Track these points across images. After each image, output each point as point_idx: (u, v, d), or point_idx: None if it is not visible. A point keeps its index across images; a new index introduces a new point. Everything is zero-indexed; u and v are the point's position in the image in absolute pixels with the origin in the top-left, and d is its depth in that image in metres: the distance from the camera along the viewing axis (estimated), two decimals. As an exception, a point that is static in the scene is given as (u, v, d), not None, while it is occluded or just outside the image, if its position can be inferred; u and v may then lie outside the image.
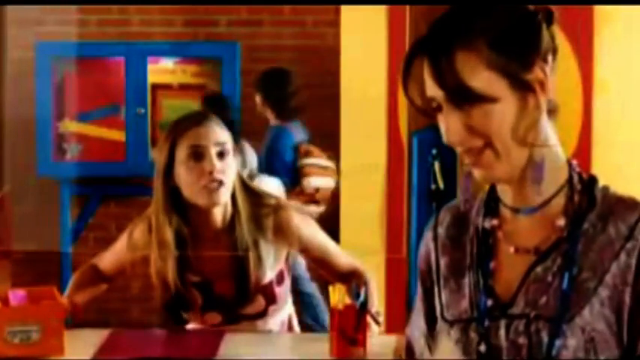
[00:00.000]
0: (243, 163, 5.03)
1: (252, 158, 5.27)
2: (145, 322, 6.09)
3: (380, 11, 4.65)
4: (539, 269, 1.58)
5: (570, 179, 1.60)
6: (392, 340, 2.88)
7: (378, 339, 2.85)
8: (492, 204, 1.66)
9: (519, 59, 1.52)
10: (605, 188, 1.61)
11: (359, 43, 4.73)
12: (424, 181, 2.39)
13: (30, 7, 6.11)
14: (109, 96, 6.04)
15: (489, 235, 1.66)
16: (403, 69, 1.58)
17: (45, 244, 6.06)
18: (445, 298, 1.69)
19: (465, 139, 1.53)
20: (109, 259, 3.19)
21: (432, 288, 1.73)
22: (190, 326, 3.12)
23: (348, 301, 2.77)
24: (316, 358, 2.78)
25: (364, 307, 2.74)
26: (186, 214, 2.97)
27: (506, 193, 1.62)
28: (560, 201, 1.59)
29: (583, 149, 4.21)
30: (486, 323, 1.60)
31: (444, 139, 1.55)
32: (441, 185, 2.37)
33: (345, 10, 4.82)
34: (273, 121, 5.62)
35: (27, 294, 2.90)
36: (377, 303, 2.98)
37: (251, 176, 4.99)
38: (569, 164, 1.61)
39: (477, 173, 1.57)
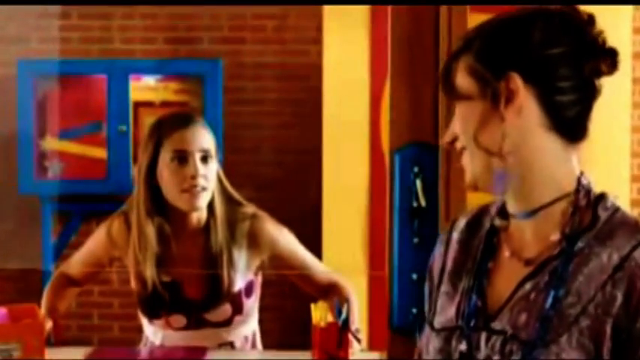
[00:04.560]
0: None
1: None
2: (127, 340, 6.07)
3: (362, 29, 4.66)
4: (527, 285, 1.58)
5: (577, 194, 1.59)
6: (374, 358, 2.88)
7: (360, 356, 2.85)
8: (505, 207, 1.69)
9: (492, 67, 1.58)
10: (614, 208, 1.59)
11: (341, 62, 4.74)
12: (406, 199, 2.39)
13: (11, 24, 6.10)
14: (91, 114, 6.02)
15: (495, 234, 1.68)
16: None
17: (27, 262, 6.02)
18: (440, 303, 1.70)
19: (450, 135, 1.65)
20: (80, 263, 3.21)
21: (432, 293, 1.75)
22: (152, 330, 3.10)
23: (330, 318, 2.77)
24: (298, 375, 2.77)
25: (346, 325, 2.73)
26: (166, 212, 2.98)
27: (507, 198, 1.66)
28: (558, 213, 1.59)
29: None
30: (468, 332, 1.60)
31: None
32: (423, 203, 2.38)
33: (328, 28, 4.83)
34: None
35: (8, 312, 2.88)
36: (357, 319, 2.98)
37: None
38: (579, 179, 1.61)
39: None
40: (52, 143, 6.03)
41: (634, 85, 5.17)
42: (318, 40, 5.25)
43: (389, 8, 2.41)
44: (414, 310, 2.39)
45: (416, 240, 2.38)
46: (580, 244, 1.55)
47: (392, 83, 2.41)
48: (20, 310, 2.93)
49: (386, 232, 2.46)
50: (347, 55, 4.71)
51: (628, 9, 4.51)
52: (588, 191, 1.60)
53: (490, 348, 1.57)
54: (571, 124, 1.60)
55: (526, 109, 1.57)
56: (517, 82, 1.56)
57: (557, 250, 1.57)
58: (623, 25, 4.37)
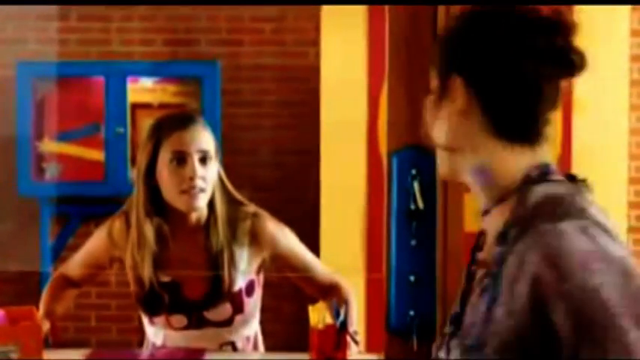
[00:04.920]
0: None
1: None
2: (125, 342, 6.07)
3: (360, 29, 4.67)
4: (477, 289, 1.57)
5: (521, 188, 1.55)
6: (372, 360, 2.88)
7: (358, 357, 2.85)
8: None
9: (446, 64, 1.60)
10: (544, 195, 1.52)
11: (339, 63, 4.74)
12: (403, 201, 2.39)
13: (10, 25, 6.10)
14: (89, 115, 6.02)
15: (481, 236, 1.68)
16: None
17: (25, 264, 6.03)
18: (452, 309, 1.71)
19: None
20: (79, 264, 3.22)
21: None
22: (153, 330, 3.10)
23: (328, 320, 2.77)
24: (296, 377, 2.77)
25: (344, 327, 2.73)
26: (165, 212, 2.98)
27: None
28: (506, 211, 1.55)
29: (563, 168, 4.23)
30: (447, 339, 1.61)
31: None
32: (421, 205, 2.37)
33: (325, 28, 4.83)
34: None
35: (6, 314, 2.88)
36: (356, 320, 2.98)
37: None
38: (527, 174, 1.56)
39: None
40: (50, 145, 6.03)
41: (632, 88, 5.17)
42: (315, 42, 5.25)
43: (386, 8, 2.41)
44: (412, 313, 2.39)
45: (413, 242, 2.38)
46: (508, 240, 1.51)
47: (389, 84, 2.40)
48: (18, 312, 2.92)
49: (383, 234, 2.46)
50: (344, 56, 4.72)
51: (625, 11, 4.51)
52: (535, 182, 1.55)
53: (448, 353, 1.57)
54: (516, 129, 1.56)
55: (467, 112, 1.57)
56: (457, 83, 1.57)
57: (495, 250, 1.54)
58: (621, 28, 4.37)
